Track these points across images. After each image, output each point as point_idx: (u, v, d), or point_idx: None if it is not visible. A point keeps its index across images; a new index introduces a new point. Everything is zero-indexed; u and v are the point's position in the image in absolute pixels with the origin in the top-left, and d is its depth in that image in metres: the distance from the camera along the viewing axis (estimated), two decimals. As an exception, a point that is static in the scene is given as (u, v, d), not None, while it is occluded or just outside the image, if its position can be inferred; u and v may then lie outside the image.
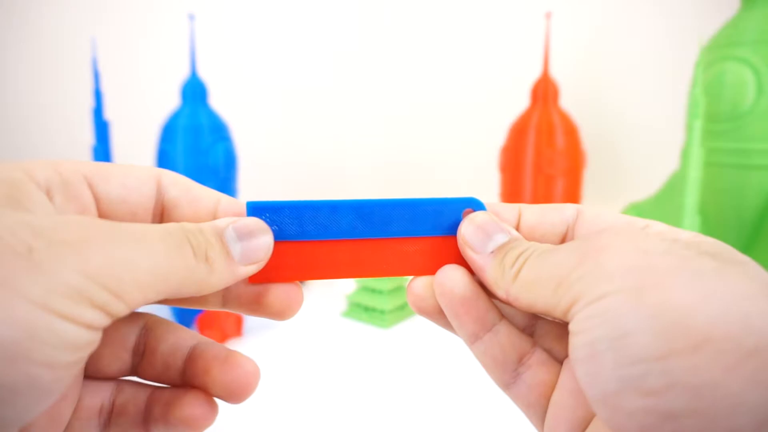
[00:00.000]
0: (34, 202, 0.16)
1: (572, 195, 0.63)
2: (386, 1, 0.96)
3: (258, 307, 0.20)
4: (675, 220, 0.53)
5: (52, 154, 0.96)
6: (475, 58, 0.97)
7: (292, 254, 0.20)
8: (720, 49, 0.59)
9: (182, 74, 0.68)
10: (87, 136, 0.68)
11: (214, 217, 0.20)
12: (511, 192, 0.64)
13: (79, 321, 0.14)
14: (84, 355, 0.14)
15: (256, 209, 0.19)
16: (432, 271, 0.20)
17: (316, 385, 0.50)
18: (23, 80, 0.94)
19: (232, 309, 0.20)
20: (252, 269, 0.18)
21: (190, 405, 0.19)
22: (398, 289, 0.66)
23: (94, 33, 0.70)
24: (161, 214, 0.20)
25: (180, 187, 0.20)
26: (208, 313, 0.55)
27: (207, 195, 0.20)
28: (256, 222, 0.19)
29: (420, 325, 0.65)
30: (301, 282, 0.21)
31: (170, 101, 0.69)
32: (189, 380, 0.19)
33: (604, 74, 0.96)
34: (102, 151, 0.61)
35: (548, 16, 0.62)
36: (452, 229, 0.20)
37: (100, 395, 0.19)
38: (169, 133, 0.63)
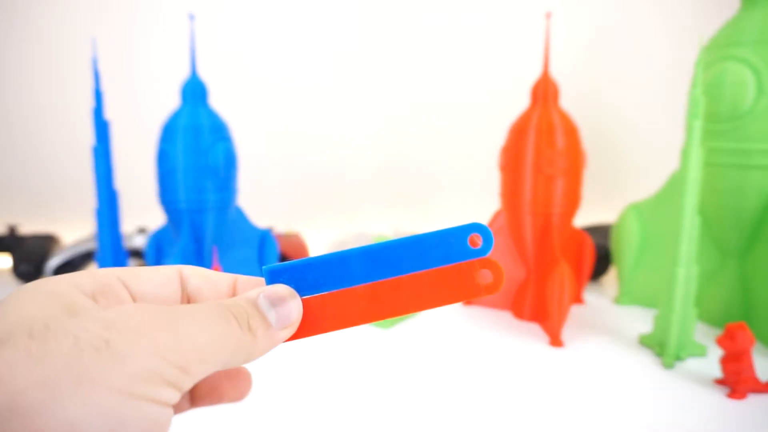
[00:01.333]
0: (85, 308, 0.17)
1: (572, 195, 0.63)
2: (386, 1, 0.96)
3: (218, 399, 0.22)
4: (675, 220, 0.53)
5: (52, 154, 0.96)
6: (475, 58, 0.97)
7: (316, 308, 0.21)
8: (720, 49, 0.59)
9: (182, 74, 0.68)
10: (87, 136, 0.68)
11: (235, 294, 0.21)
12: (511, 192, 0.64)
13: (160, 401, 0.15)
14: None
15: (273, 273, 0.20)
16: (449, 300, 0.21)
17: (316, 385, 0.50)
18: (23, 80, 0.94)
19: (198, 405, 0.22)
20: (288, 333, 0.20)
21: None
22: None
23: (94, 33, 0.70)
24: (188, 303, 0.21)
25: (199, 276, 0.21)
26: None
27: (224, 277, 0.22)
28: (284, 288, 0.20)
29: (420, 325, 0.65)
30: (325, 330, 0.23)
31: (170, 101, 0.69)
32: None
33: (604, 74, 0.96)
34: (102, 151, 0.61)
35: (548, 16, 0.62)
36: (461, 256, 0.21)
37: None
38: (169, 133, 0.63)
